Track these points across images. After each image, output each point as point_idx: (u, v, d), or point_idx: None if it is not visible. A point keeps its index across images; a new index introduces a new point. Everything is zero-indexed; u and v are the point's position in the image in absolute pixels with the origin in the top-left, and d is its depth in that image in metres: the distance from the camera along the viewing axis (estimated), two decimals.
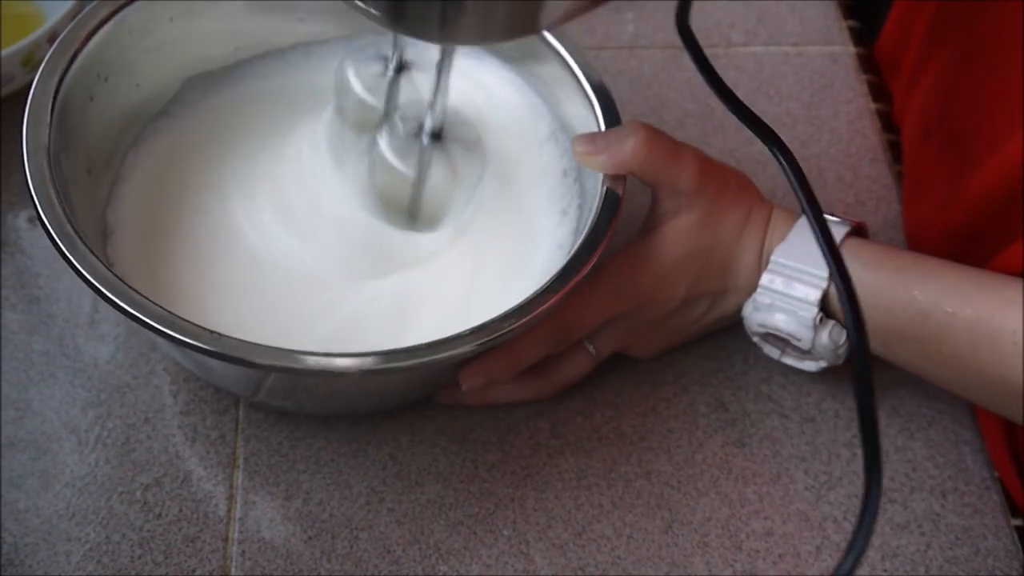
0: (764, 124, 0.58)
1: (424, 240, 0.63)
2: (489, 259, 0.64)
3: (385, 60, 0.61)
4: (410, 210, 0.60)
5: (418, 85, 0.61)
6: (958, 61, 0.71)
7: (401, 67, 0.61)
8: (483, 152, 0.60)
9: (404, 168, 0.58)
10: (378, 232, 0.62)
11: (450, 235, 0.64)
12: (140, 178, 0.65)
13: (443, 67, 0.54)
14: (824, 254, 0.52)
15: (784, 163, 0.55)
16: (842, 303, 0.51)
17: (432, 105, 0.57)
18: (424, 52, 0.60)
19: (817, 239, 0.53)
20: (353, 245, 0.63)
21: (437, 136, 0.58)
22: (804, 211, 0.54)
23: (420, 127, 0.58)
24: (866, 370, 0.49)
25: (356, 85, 0.61)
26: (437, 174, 0.58)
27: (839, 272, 0.51)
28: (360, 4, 0.48)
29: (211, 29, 0.67)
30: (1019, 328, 0.55)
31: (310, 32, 0.70)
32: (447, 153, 0.58)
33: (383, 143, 0.58)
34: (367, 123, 0.62)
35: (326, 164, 0.64)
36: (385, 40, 0.60)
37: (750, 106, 0.75)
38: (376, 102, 0.61)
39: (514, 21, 0.48)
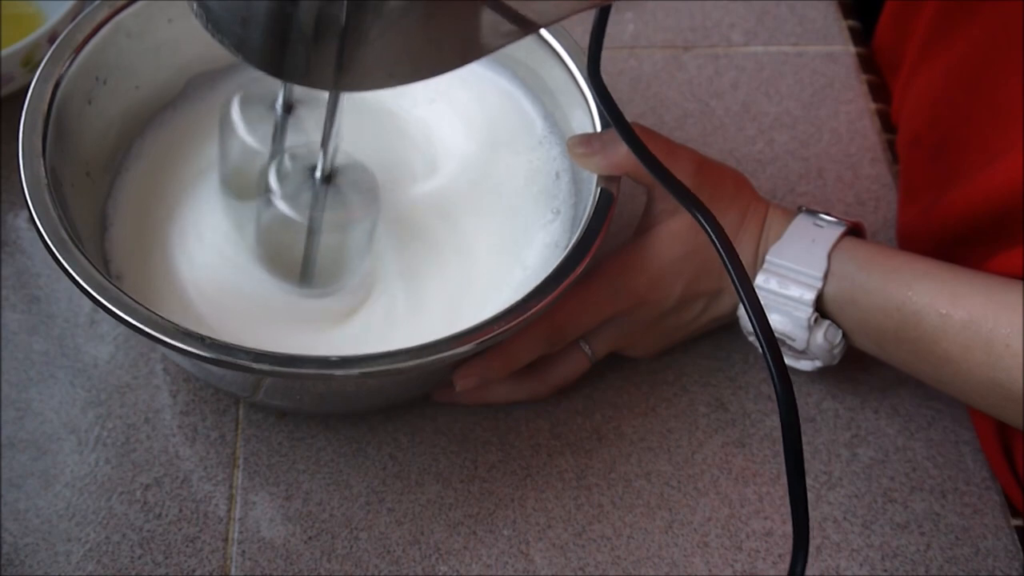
0: (684, 189, 0.56)
1: (329, 302, 0.61)
2: (484, 254, 0.64)
3: (273, 99, 0.59)
4: (304, 263, 0.58)
5: (305, 126, 0.59)
6: (951, 69, 0.71)
7: (289, 107, 0.59)
8: (378, 195, 0.58)
9: (295, 214, 0.56)
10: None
11: (359, 290, 0.62)
12: (142, 169, 0.66)
13: (333, 108, 0.52)
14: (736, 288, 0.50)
15: (704, 224, 0.53)
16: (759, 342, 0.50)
17: (324, 145, 0.55)
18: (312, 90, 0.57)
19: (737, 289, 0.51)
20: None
21: (329, 179, 0.56)
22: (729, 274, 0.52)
23: (311, 170, 0.56)
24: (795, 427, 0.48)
25: (240, 127, 0.59)
26: (332, 219, 0.57)
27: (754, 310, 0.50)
28: (236, 52, 0.45)
29: None
30: (1012, 331, 0.55)
31: None
32: (342, 196, 0.56)
33: (273, 187, 0.56)
34: (250, 169, 0.60)
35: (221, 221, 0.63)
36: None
37: (748, 106, 0.75)
38: (261, 147, 0.59)
39: (409, 66, 0.46)
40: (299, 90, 0.59)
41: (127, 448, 0.64)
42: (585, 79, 0.63)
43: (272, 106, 0.59)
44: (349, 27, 0.43)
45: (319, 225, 0.57)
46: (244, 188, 0.61)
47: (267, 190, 0.57)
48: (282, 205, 0.56)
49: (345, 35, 0.43)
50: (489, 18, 0.47)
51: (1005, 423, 0.62)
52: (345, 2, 0.42)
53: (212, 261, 0.62)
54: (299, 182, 0.56)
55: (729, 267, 0.51)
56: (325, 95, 0.53)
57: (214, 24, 0.46)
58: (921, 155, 0.73)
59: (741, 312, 0.64)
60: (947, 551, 0.63)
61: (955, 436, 0.67)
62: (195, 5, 0.46)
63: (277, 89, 0.59)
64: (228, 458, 0.64)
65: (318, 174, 0.56)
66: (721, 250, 0.52)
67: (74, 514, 0.61)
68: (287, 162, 0.57)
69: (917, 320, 0.58)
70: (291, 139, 0.60)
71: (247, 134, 0.59)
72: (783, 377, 0.48)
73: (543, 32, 0.65)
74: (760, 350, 0.50)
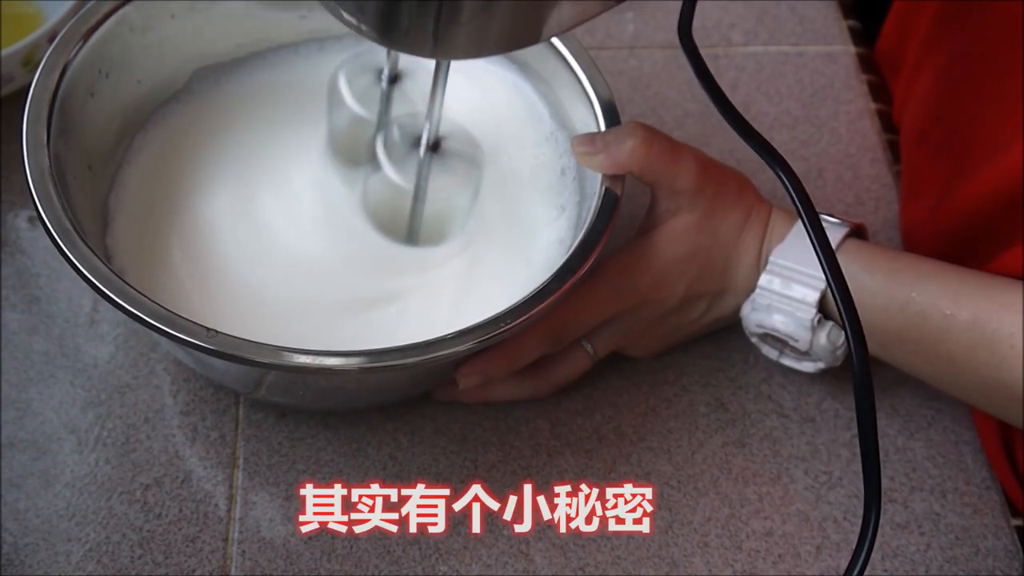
0: (765, 141, 0.57)
1: (427, 254, 0.62)
2: (488, 250, 0.64)
3: (379, 70, 0.61)
4: (410, 225, 0.60)
5: (411, 96, 0.61)
6: (955, 64, 0.71)
7: (395, 78, 0.61)
8: (481, 161, 0.60)
9: (403, 182, 0.58)
10: (381, 246, 0.62)
11: (455, 247, 0.63)
12: (145, 163, 0.66)
13: (438, 79, 0.54)
14: (826, 274, 0.52)
15: (787, 182, 0.55)
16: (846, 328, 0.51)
17: (429, 116, 0.56)
18: (418, 60, 0.59)
19: (820, 260, 0.53)
20: (355, 255, 0.63)
21: (435, 148, 0.58)
22: (808, 234, 0.53)
23: (417, 139, 0.58)
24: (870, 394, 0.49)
25: (348, 97, 0.61)
26: (437, 186, 0.58)
27: (842, 296, 0.51)
28: (351, 21, 0.47)
29: (213, 26, 0.67)
30: (1017, 331, 0.55)
31: (313, 29, 0.70)
32: (446, 164, 0.58)
33: (381, 157, 0.58)
34: (359, 136, 0.61)
35: (329, 176, 0.64)
36: (380, 49, 0.60)
37: (748, 106, 0.75)
38: (369, 115, 0.61)
39: (510, 35, 0.48)
40: (404, 61, 0.60)
41: (127, 448, 0.64)
42: (588, 77, 0.64)
43: (378, 77, 0.61)
44: None
45: (424, 193, 0.58)
46: (353, 154, 0.63)
47: (375, 159, 0.59)
48: (390, 173, 0.58)
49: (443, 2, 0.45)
50: None
51: (1007, 423, 0.62)
52: None
53: (216, 259, 0.62)
54: (405, 151, 0.58)
55: (808, 227, 0.52)
56: (429, 66, 0.55)
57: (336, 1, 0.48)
58: (926, 152, 0.73)
59: (744, 312, 0.64)
60: (947, 551, 0.63)
61: (955, 436, 0.67)
62: None
63: (381, 61, 0.60)
64: (228, 458, 0.64)
65: (423, 143, 0.58)
66: (800, 208, 0.53)
67: (74, 514, 0.61)
68: (394, 131, 0.59)
69: (921, 321, 0.58)
70: (397, 108, 0.61)
71: (355, 103, 0.61)
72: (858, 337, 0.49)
73: None
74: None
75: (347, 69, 0.61)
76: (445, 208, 0.60)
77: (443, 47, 0.47)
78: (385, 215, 0.61)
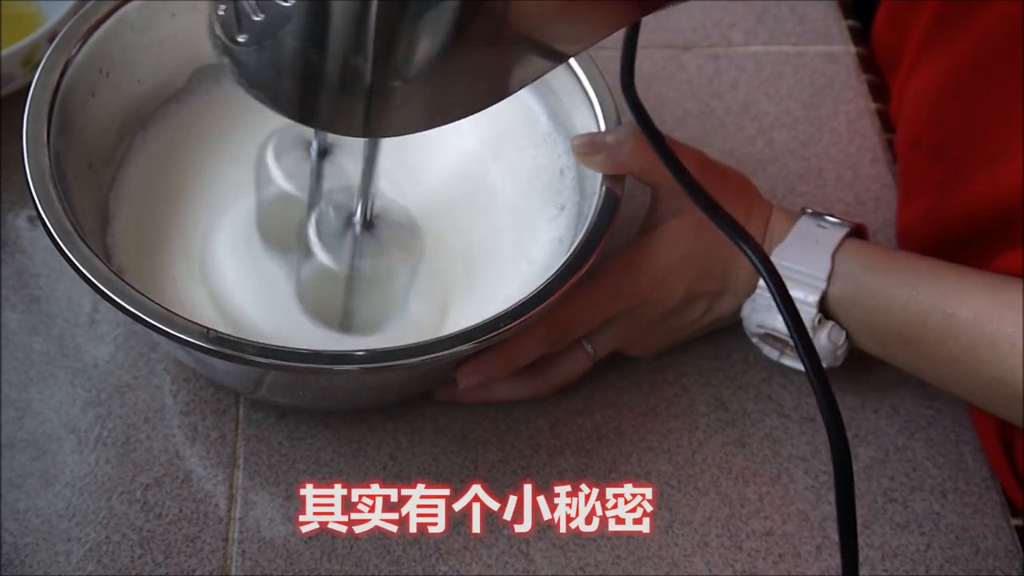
0: (724, 212, 0.54)
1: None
2: (489, 248, 0.64)
3: (308, 143, 0.59)
4: (345, 311, 0.58)
5: (345, 168, 0.59)
6: (953, 68, 0.71)
7: (324, 152, 0.59)
8: (420, 238, 0.58)
9: (335, 265, 0.56)
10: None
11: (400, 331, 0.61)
12: (145, 162, 0.66)
13: (370, 155, 0.52)
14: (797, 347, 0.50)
15: (753, 257, 0.52)
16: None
17: (362, 193, 0.54)
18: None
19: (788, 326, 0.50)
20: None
21: (369, 225, 0.56)
22: (778, 304, 0.51)
23: (350, 218, 0.55)
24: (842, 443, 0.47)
25: (276, 173, 0.59)
26: (372, 266, 0.56)
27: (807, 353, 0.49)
28: (269, 103, 0.46)
29: None
30: (1018, 330, 0.55)
31: None
32: (381, 244, 0.56)
33: (311, 238, 0.56)
34: (290, 216, 0.59)
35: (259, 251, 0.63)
36: None
37: (748, 106, 0.75)
38: (299, 192, 0.59)
39: (454, 105, 0.46)
40: (333, 135, 0.58)
41: (127, 448, 0.64)
42: (588, 77, 0.63)
43: (308, 150, 0.59)
44: (376, 78, 0.43)
45: (360, 275, 0.56)
46: (283, 237, 0.61)
47: (306, 241, 0.57)
48: (322, 256, 0.56)
49: (372, 87, 0.43)
50: (521, 58, 0.47)
51: (1006, 422, 0.62)
52: (370, 59, 0.42)
53: (215, 259, 0.62)
54: (338, 231, 0.56)
55: (765, 276, 0.50)
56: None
57: (247, 79, 0.46)
58: (921, 156, 0.73)
59: (745, 312, 0.64)
60: (947, 551, 0.63)
61: (955, 436, 0.67)
62: (228, 62, 0.46)
63: (311, 133, 0.59)
64: (228, 458, 0.64)
65: (356, 221, 0.56)
66: (755, 260, 0.51)
67: (74, 514, 0.61)
68: (325, 211, 0.57)
69: (922, 320, 0.58)
70: (329, 183, 0.59)
71: (283, 180, 0.59)
72: (825, 388, 0.48)
73: None
74: (804, 370, 0.50)
75: (276, 142, 0.59)
76: (382, 291, 0.58)
77: (377, 126, 0.45)
78: (319, 301, 0.59)
